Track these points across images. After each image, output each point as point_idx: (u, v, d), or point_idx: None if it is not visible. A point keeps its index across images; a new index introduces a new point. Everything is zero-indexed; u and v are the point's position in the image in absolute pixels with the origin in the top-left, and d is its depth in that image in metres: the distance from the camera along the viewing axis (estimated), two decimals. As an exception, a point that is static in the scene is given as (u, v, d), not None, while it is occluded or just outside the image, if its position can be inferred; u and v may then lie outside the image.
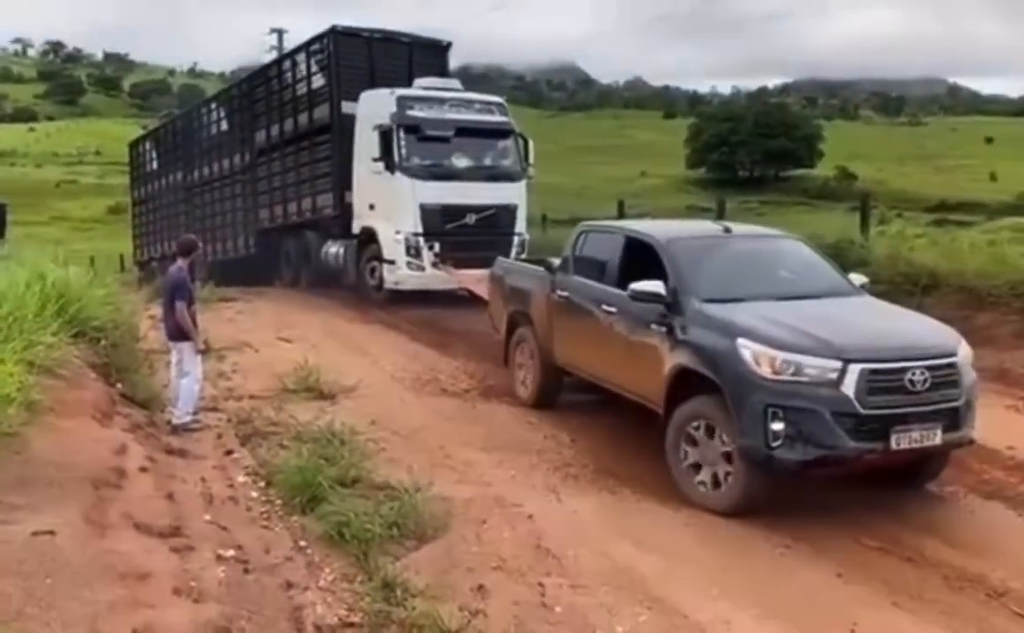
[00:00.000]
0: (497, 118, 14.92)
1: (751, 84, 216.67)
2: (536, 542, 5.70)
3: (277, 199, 18.04)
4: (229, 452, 7.44)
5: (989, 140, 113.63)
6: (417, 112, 14.17)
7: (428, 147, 14.17)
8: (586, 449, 7.68)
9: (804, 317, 6.42)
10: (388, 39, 16.66)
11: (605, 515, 6.23)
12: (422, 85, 14.91)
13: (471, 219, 14.12)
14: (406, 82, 15.32)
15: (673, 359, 6.65)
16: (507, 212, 14.48)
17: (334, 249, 15.96)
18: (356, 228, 15.20)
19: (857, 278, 7.57)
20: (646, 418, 8.25)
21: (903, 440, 5.81)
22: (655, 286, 6.88)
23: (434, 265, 13.88)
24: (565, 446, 7.76)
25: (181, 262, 8.25)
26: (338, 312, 14.42)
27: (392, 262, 14.08)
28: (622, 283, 7.42)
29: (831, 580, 5.30)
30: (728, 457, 6.23)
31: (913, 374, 5.84)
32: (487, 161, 14.76)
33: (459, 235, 14.03)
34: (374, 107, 14.58)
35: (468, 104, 14.82)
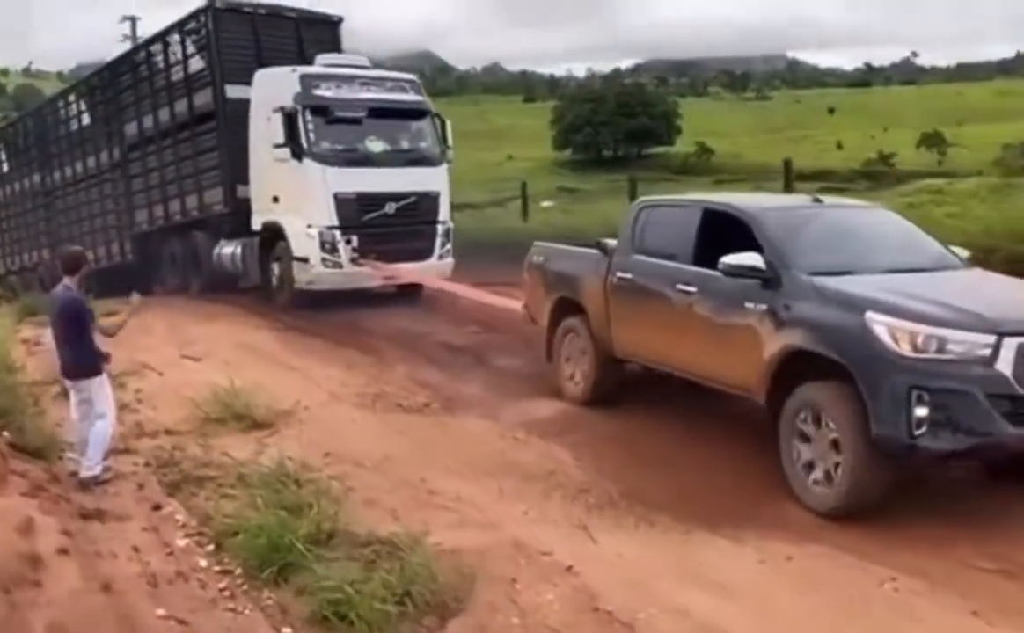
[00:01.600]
0: (412, 97, 13.53)
1: (605, 66, 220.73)
2: (591, 603, 4.59)
3: (156, 198, 16.03)
4: (157, 507, 6.03)
5: (831, 111, 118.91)
6: (325, 91, 12.63)
7: (339, 130, 12.68)
8: (597, 467, 6.57)
9: (934, 288, 5.70)
10: (274, 14, 14.96)
11: (657, 556, 5.16)
12: (326, 62, 13.37)
13: (391, 208, 12.74)
14: (297, 61, 13.77)
15: (779, 340, 5.82)
16: (430, 199, 13.15)
17: (229, 249, 14.25)
18: (257, 224, 13.53)
19: (961, 251, 6.90)
20: (654, 420, 7.33)
21: None
22: (751, 258, 6.02)
23: (353, 261, 12.46)
24: (571, 466, 6.64)
25: (68, 281, 6.70)
26: (243, 320, 12.76)
27: (305, 260, 12.54)
28: (702, 260, 6.58)
29: (969, 621, 4.36)
30: (836, 445, 5.41)
31: None
32: (404, 144, 13.37)
33: (378, 226, 12.65)
34: (272, 88, 12.96)
35: (380, 82, 13.35)
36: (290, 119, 12.40)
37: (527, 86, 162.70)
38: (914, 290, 5.59)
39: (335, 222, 12.45)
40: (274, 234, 13.16)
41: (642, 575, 4.89)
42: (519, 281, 9.54)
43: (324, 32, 15.28)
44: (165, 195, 15.74)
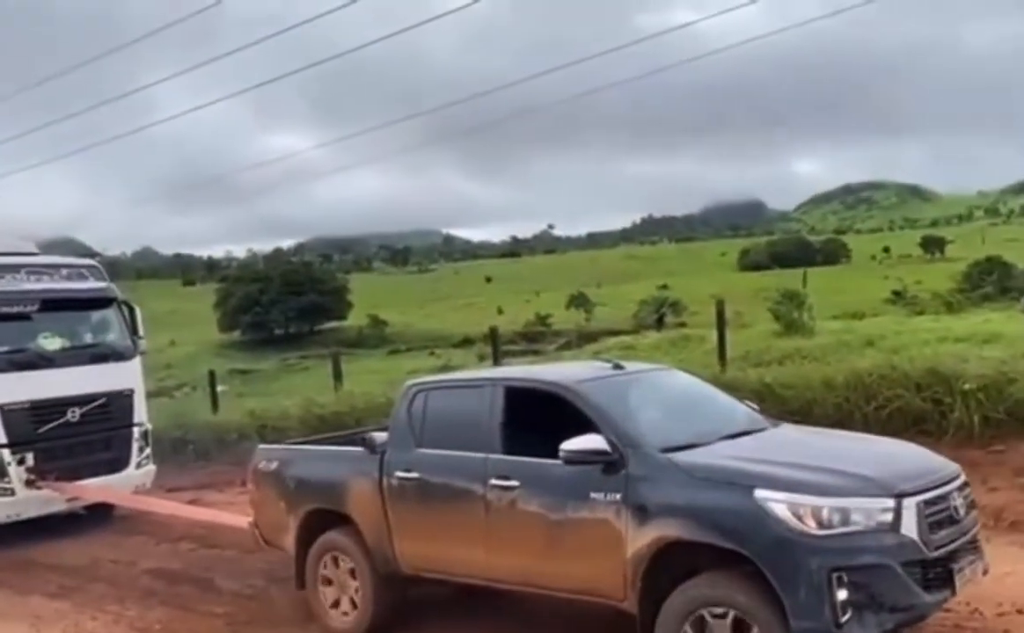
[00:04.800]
0: (93, 284, 11.67)
1: (265, 246, 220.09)
2: None
3: None
4: None
5: (488, 279, 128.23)
6: (-17, 286, 10.57)
7: (3, 329, 10.56)
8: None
9: (793, 452, 5.29)
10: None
11: None
12: (-19, 251, 11.30)
13: (74, 415, 10.69)
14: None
15: (648, 532, 4.96)
16: (122, 399, 11.22)
17: None
18: None
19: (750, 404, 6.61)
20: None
21: (959, 580, 4.80)
22: (593, 441, 5.22)
23: (30, 483, 10.28)
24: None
25: None
26: None
27: (-37, 491, 10.16)
28: (516, 447, 5.73)
29: None
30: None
31: (954, 500, 4.93)
32: (87, 338, 11.43)
33: (60, 438, 10.57)
34: (-89, 286, 10.64)
35: (53, 269, 11.38)
36: (-64, 321, 10.20)
37: (184, 269, 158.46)
38: (778, 457, 5.13)
39: (3, 439, 10.24)
40: (-85, 459, 10.59)
41: None
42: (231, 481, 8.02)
43: (-31, 217, 13.13)
44: None
